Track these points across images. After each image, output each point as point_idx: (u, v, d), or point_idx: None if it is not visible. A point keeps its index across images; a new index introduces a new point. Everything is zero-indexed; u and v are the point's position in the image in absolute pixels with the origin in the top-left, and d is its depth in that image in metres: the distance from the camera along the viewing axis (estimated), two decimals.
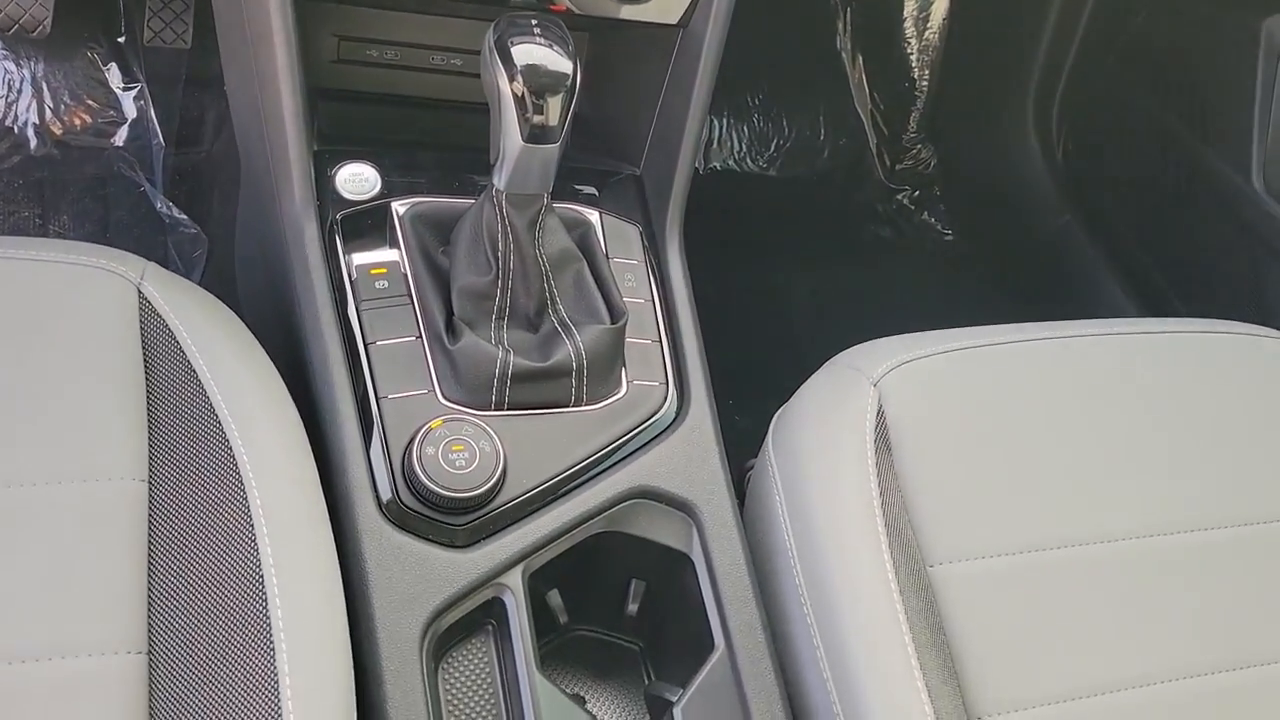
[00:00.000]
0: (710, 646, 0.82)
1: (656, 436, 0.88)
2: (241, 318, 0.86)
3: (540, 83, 0.78)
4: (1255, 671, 0.85)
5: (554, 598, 0.86)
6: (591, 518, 0.83)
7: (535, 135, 0.79)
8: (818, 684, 0.79)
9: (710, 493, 0.86)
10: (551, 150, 0.81)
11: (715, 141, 1.79)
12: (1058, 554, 0.86)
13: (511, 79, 0.78)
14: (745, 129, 1.81)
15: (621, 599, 0.89)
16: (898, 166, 1.86)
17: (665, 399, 0.89)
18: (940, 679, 0.78)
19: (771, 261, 1.72)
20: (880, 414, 0.89)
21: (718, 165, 1.78)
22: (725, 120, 1.80)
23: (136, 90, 1.47)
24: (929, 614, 0.81)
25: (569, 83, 0.78)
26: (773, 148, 1.81)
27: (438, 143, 1.02)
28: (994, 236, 1.82)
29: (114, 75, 1.47)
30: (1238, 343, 1.05)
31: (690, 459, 0.87)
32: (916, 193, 1.86)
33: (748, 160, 1.80)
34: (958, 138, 1.86)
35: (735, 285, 1.67)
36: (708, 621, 0.83)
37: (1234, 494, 0.93)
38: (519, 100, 0.78)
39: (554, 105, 0.79)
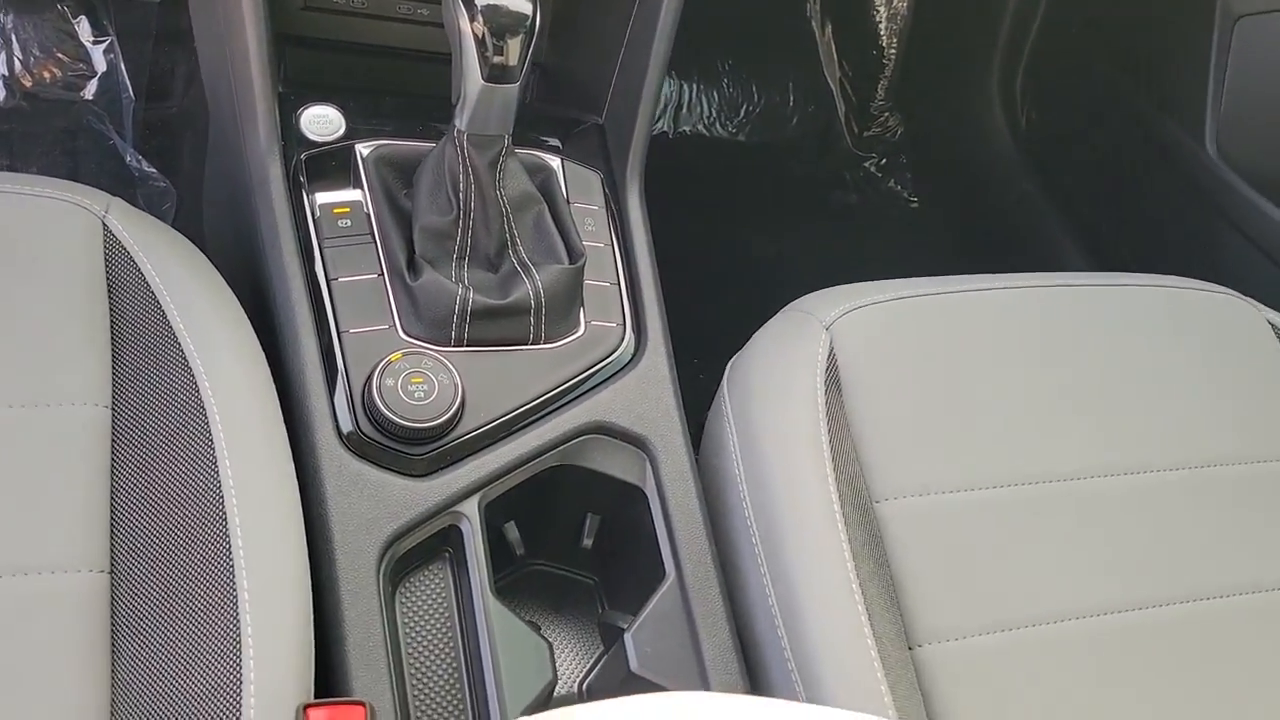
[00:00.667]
0: (662, 576, 0.85)
1: (613, 375, 0.90)
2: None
3: (500, 23, 0.79)
4: (1188, 607, 0.88)
5: (511, 530, 0.88)
6: (547, 451, 0.85)
7: (495, 75, 0.81)
8: (764, 611, 0.82)
9: (664, 428, 0.89)
10: (511, 90, 0.82)
11: (685, 106, 1.80)
12: (1001, 492, 0.89)
13: (472, 19, 0.79)
14: (715, 94, 1.82)
15: (577, 533, 0.91)
16: (865, 134, 1.89)
17: (622, 339, 0.91)
18: (882, 607, 0.81)
19: (739, 226, 1.74)
20: (831, 356, 0.91)
21: (687, 130, 1.80)
22: (695, 85, 1.81)
23: (107, 44, 1.47)
24: (874, 546, 0.84)
25: (528, 23, 0.80)
26: (742, 113, 1.83)
27: (404, 91, 1.03)
28: (959, 204, 1.85)
29: (84, 29, 1.47)
30: (1187, 297, 1.08)
31: (645, 396, 0.89)
32: (883, 160, 1.88)
33: (717, 125, 1.81)
34: (924, 107, 1.89)
35: (703, 248, 1.69)
36: (659, 552, 0.85)
37: (1177, 439, 0.96)
38: (479, 40, 0.80)
39: (514, 45, 0.80)
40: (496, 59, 0.80)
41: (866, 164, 1.88)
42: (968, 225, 1.81)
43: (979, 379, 0.94)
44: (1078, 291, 1.05)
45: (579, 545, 0.91)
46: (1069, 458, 0.92)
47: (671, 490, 0.87)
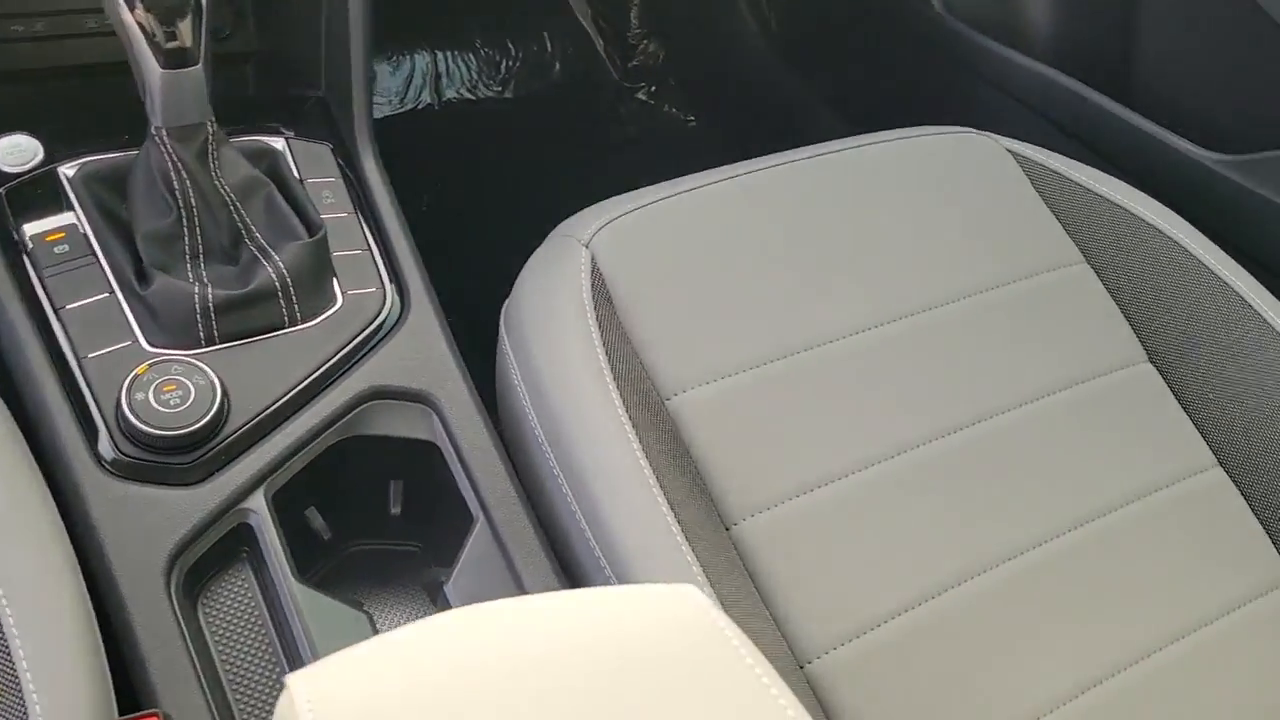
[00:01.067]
0: (472, 523, 0.84)
1: (382, 339, 0.88)
2: None
3: (165, 6, 0.77)
4: (977, 427, 0.92)
5: (314, 517, 0.86)
6: (327, 427, 0.83)
7: (174, 61, 0.78)
8: (576, 531, 0.82)
9: (442, 378, 0.88)
10: (196, 73, 0.80)
11: (444, 75, 1.78)
12: (784, 363, 0.91)
13: (132, 8, 0.76)
14: (471, 57, 1.80)
15: (384, 504, 0.90)
16: (630, 65, 1.89)
17: (384, 302, 0.90)
18: (687, 496, 0.82)
19: (524, 181, 1.73)
20: (595, 271, 0.92)
21: (452, 97, 1.78)
22: (449, 52, 1.79)
23: None
24: (671, 443, 0.85)
25: (194, 1, 0.77)
26: (503, 70, 1.81)
27: (118, 106, 0.98)
28: (733, 114, 1.88)
29: None
30: (929, 143, 1.12)
31: (418, 352, 0.88)
32: (653, 87, 1.89)
33: (480, 87, 1.80)
34: (678, 27, 1.90)
35: (491, 208, 1.68)
36: (465, 501, 0.84)
37: (943, 275, 1.00)
38: (146, 30, 0.77)
39: (185, 27, 0.77)
40: (170, 44, 0.77)
41: (638, 94, 1.89)
42: (745, 132, 1.84)
43: (746, 262, 0.96)
44: (828, 160, 1.08)
45: (389, 515, 0.90)
46: (844, 316, 0.95)
47: (462, 436, 0.86)
